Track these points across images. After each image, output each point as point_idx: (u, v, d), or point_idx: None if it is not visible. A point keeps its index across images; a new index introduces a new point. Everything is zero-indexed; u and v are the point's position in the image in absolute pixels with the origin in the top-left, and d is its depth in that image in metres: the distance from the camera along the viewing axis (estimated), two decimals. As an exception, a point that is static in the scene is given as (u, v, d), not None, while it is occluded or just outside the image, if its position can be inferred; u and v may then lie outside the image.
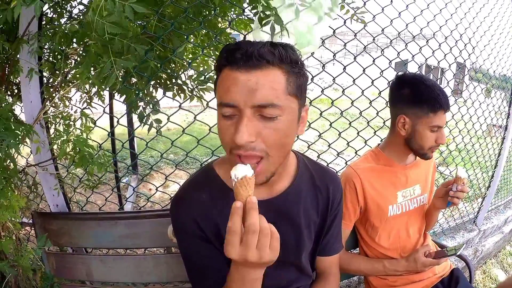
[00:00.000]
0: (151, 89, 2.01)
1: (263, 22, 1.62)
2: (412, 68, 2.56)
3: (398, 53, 2.27)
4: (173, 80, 1.99)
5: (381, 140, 1.88)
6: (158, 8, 1.57)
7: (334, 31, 1.93)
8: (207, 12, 1.77)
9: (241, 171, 0.88)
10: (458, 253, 1.64)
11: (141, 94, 1.82)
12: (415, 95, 1.61)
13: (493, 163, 3.61)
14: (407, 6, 2.23)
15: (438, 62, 2.69)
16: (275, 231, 0.88)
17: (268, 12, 1.58)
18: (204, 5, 1.68)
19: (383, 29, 2.20)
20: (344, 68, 2.06)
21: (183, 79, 2.04)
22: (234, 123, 0.97)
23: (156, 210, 1.94)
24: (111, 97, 2.39)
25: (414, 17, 2.30)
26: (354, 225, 1.79)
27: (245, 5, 1.81)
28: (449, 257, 1.71)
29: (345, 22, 1.90)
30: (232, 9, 2.01)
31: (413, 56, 2.46)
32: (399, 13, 2.20)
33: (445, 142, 1.65)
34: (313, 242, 1.33)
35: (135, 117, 2.02)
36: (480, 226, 3.54)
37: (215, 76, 1.06)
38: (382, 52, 2.20)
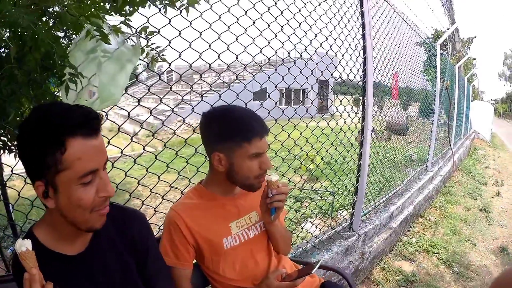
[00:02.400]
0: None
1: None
2: (274, 95, 2.62)
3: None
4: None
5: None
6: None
7: (137, 77, 1.90)
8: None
9: (18, 247, 0.98)
10: (313, 271, 1.59)
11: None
12: (225, 130, 1.57)
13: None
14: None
15: (301, 86, 2.79)
16: None
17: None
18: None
19: (208, 65, 2.19)
20: (193, 108, 2.09)
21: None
22: (93, 186, 1.07)
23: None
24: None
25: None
26: (197, 263, 1.74)
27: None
28: (306, 275, 1.65)
29: (148, 65, 1.87)
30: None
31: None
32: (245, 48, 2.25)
33: (270, 166, 1.60)
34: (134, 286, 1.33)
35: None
36: (358, 230, 3.63)
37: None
38: (221, 94, 2.20)
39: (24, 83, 1.65)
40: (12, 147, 1.85)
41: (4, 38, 1.53)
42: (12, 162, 1.86)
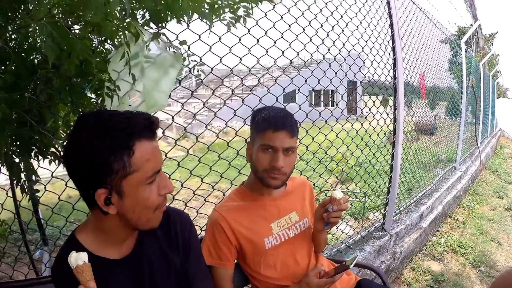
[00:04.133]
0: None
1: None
2: (301, 97, 2.67)
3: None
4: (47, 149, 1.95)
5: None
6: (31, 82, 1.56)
7: (180, 82, 1.96)
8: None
9: (74, 261, 0.97)
10: (351, 267, 1.62)
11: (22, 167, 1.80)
12: (253, 121, 1.71)
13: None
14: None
15: (336, 87, 2.82)
16: None
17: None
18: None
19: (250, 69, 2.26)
20: (235, 112, 2.19)
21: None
22: (155, 185, 1.11)
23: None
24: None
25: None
26: (238, 263, 1.79)
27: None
28: (344, 271, 1.67)
29: (190, 70, 1.93)
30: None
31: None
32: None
33: (278, 165, 1.59)
34: (178, 285, 1.35)
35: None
36: (390, 230, 3.65)
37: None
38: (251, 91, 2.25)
39: (62, 88, 1.71)
40: (49, 154, 1.90)
41: (39, 45, 1.57)
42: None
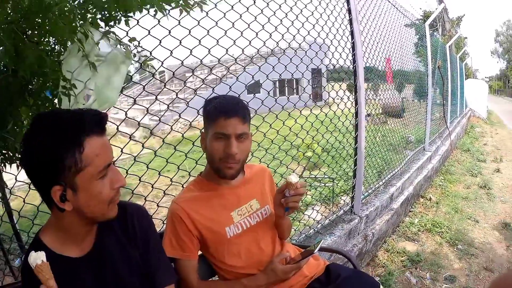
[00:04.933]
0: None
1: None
2: (266, 85, 2.67)
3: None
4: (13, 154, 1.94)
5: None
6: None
7: (131, 78, 1.94)
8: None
9: (33, 260, 1.01)
10: (315, 251, 1.64)
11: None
12: (205, 111, 1.70)
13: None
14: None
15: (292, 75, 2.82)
16: None
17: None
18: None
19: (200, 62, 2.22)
20: (187, 103, 2.19)
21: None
22: (107, 178, 1.15)
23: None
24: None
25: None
26: (203, 254, 1.78)
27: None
28: (309, 256, 1.69)
29: (141, 65, 1.91)
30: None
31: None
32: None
33: (232, 151, 1.60)
34: (141, 277, 1.37)
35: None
36: (359, 213, 3.68)
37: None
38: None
39: (20, 92, 1.69)
40: (14, 158, 1.88)
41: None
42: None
